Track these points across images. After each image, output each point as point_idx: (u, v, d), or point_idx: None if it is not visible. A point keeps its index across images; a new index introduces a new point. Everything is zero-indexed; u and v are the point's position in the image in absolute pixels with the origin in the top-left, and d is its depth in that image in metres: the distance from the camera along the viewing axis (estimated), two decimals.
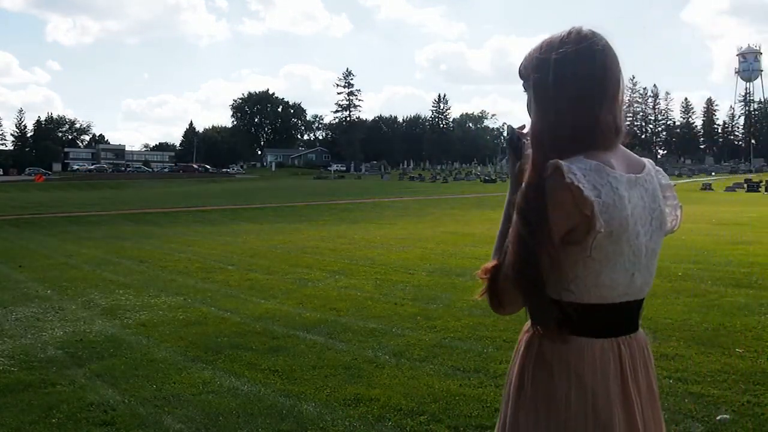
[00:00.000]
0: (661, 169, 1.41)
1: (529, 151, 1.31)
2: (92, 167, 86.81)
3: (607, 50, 1.30)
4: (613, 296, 1.29)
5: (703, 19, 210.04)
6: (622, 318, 1.32)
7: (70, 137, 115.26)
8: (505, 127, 1.46)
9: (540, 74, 1.30)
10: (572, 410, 1.27)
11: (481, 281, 1.34)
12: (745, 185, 41.75)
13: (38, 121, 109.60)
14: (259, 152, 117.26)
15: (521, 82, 1.39)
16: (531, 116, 1.34)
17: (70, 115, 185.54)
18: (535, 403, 1.31)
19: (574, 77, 1.27)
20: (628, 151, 1.37)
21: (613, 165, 1.27)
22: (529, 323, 1.35)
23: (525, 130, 1.38)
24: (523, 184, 1.27)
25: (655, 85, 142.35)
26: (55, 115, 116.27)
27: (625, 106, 1.34)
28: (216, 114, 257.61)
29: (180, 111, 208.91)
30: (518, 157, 1.38)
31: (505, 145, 1.43)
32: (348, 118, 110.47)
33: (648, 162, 1.39)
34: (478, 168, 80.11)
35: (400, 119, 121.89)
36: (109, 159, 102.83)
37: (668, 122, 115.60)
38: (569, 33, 1.30)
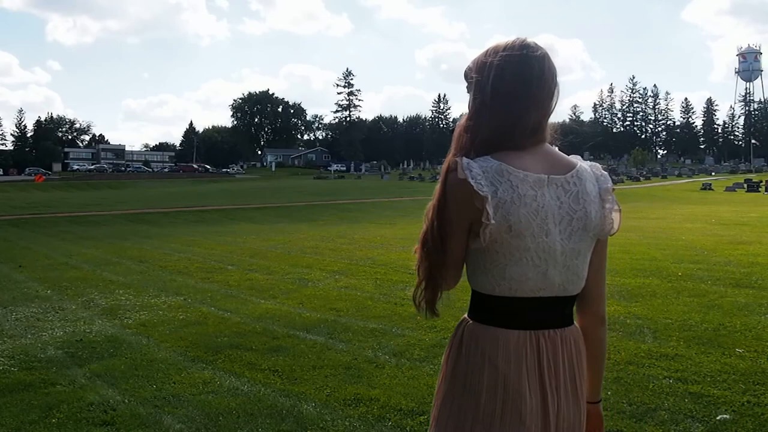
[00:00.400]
0: (606, 174, 1.46)
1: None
2: (92, 167, 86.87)
3: (544, 60, 1.37)
4: (525, 290, 1.35)
5: (703, 19, 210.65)
6: (540, 312, 1.38)
7: (70, 137, 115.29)
8: None
9: (479, 76, 1.39)
10: (484, 393, 1.35)
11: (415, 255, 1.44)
12: (745, 185, 41.75)
13: (38, 121, 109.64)
14: (259, 152, 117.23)
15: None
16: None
17: (70, 115, 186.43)
18: (452, 384, 1.40)
19: (508, 82, 1.35)
20: (559, 154, 1.43)
21: (520, 165, 1.34)
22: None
23: None
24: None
25: (655, 85, 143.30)
26: (55, 115, 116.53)
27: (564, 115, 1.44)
28: (216, 114, 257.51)
29: (180, 111, 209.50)
30: None
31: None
32: (348, 118, 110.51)
33: (586, 166, 1.44)
34: None
35: (400, 119, 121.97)
36: (109, 159, 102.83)
37: (668, 122, 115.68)
38: (513, 41, 1.39)
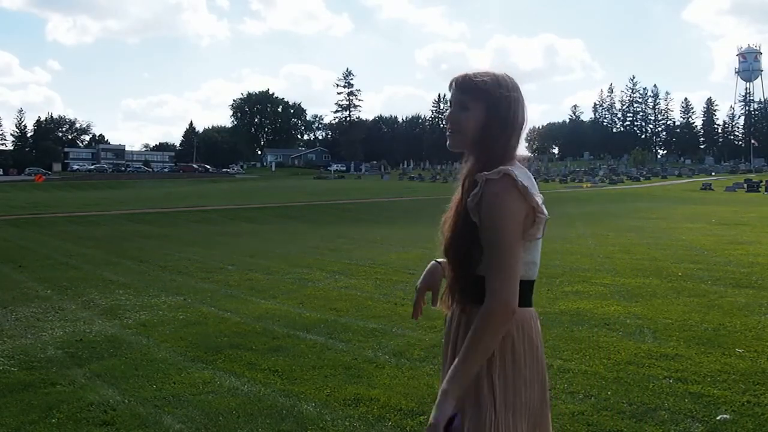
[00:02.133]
0: None
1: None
2: (92, 167, 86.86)
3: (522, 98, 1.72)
4: (536, 272, 1.70)
5: (703, 19, 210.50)
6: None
7: (70, 137, 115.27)
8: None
9: (496, 104, 1.65)
10: (526, 363, 1.67)
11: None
12: (745, 185, 41.81)
13: (38, 121, 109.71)
14: (259, 152, 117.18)
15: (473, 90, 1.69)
16: (470, 126, 1.66)
17: (70, 115, 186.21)
18: (503, 364, 1.65)
19: (514, 114, 1.66)
20: None
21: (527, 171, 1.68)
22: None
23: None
24: (475, 200, 1.60)
25: (655, 85, 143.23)
26: (55, 115, 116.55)
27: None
28: (216, 114, 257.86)
29: (180, 111, 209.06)
30: None
31: None
32: (348, 118, 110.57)
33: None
34: None
35: (400, 119, 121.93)
36: (109, 159, 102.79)
37: (668, 122, 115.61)
38: (507, 78, 1.68)
